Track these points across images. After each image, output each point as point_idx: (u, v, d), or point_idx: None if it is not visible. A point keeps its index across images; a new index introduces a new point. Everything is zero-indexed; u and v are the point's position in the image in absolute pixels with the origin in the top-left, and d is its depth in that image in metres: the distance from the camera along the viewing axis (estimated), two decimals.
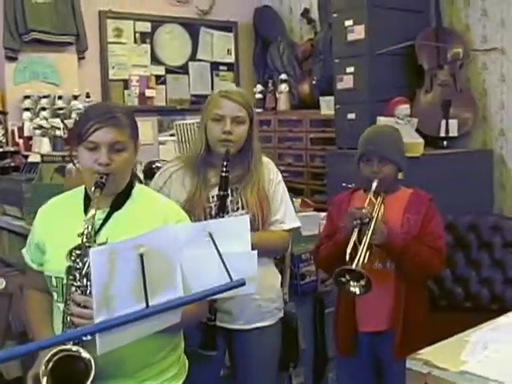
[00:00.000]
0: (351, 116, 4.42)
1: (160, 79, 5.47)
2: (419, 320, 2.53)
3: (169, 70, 5.50)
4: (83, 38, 5.14)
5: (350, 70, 4.39)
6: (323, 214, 3.30)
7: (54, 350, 1.66)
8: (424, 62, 4.34)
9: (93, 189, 1.76)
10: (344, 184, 4.09)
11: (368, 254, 2.35)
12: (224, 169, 2.32)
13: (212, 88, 5.69)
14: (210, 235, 1.47)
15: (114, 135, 1.78)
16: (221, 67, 5.77)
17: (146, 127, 5.21)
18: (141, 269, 1.25)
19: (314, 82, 5.15)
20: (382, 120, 4.18)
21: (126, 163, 1.82)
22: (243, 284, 1.46)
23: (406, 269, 2.48)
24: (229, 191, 2.36)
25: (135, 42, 5.31)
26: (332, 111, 4.64)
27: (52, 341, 1.32)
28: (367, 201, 2.47)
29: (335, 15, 4.48)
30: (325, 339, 3.33)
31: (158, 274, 1.29)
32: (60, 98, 4.91)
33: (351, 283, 2.33)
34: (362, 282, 2.30)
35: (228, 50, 5.78)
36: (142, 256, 1.24)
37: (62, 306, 1.79)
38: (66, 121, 4.50)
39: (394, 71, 4.33)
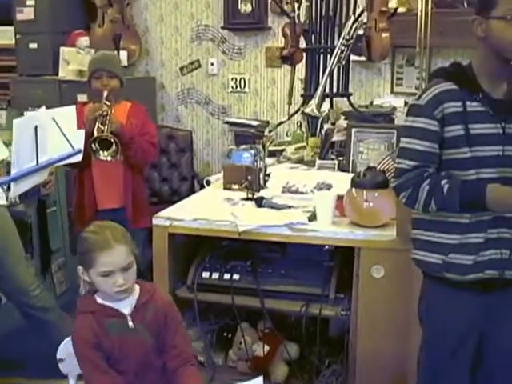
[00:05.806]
0: (33, 46, 4.83)
1: None
2: (143, 199, 3.38)
3: None
4: None
5: (31, 2, 4.76)
6: None
7: None
8: (96, 0, 4.98)
9: None
10: (30, 108, 4.59)
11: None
12: None
13: None
14: (54, 119, 2.06)
15: None
16: None
17: None
18: (35, 137, 1.83)
19: None
20: (65, 50, 4.75)
21: None
22: (80, 151, 2.10)
23: (131, 156, 3.20)
24: None
25: None
26: (11, 41, 4.96)
27: None
28: (102, 103, 3.14)
29: None
30: (48, 235, 3.90)
31: (41, 142, 1.88)
32: None
33: (101, 152, 3.01)
34: (113, 148, 3.01)
35: None
36: (36, 128, 1.82)
37: None
38: None
39: (73, 6, 4.90)
